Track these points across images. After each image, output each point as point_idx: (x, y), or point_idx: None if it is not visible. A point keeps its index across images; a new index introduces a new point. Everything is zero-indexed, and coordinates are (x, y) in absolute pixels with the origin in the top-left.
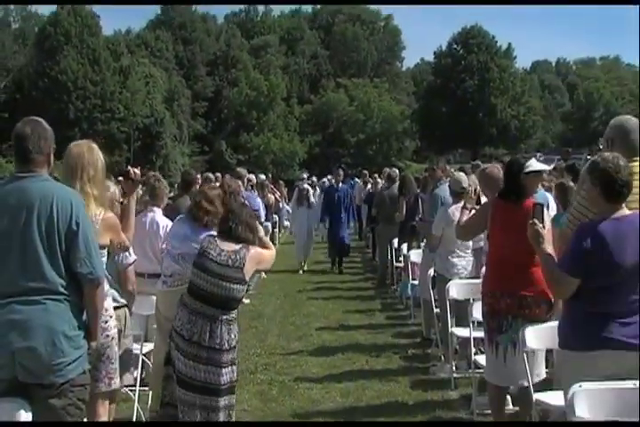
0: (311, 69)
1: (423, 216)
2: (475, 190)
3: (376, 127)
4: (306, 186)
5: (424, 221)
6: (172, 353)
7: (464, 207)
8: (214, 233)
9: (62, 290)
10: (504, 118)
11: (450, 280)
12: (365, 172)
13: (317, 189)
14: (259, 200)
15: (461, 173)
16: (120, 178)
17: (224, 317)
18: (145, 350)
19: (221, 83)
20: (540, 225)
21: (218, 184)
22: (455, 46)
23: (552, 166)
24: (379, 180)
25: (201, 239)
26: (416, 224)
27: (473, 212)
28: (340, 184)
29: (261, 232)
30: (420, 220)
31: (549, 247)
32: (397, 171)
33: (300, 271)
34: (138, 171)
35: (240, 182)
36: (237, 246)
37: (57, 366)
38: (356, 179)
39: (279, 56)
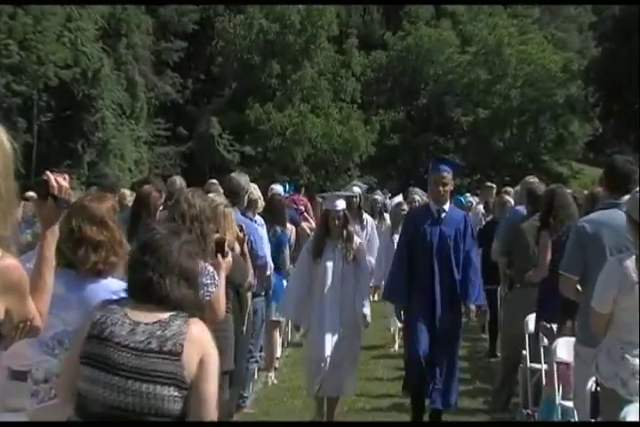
0: None
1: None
2: None
3: (512, 95)
4: (339, 205)
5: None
6: None
7: None
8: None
9: None
10: None
11: (630, 402)
12: (490, 184)
13: (385, 217)
14: (263, 235)
15: None
16: (30, 193)
17: None
18: None
19: (212, 7)
20: None
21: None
22: None
23: None
24: (507, 198)
25: (91, 304)
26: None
27: None
28: (447, 210)
29: (217, 292)
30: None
31: None
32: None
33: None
34: (64, 180)
35: (221, 200)
36: (165, 315)
37: None
38: (471, 197)
39: None
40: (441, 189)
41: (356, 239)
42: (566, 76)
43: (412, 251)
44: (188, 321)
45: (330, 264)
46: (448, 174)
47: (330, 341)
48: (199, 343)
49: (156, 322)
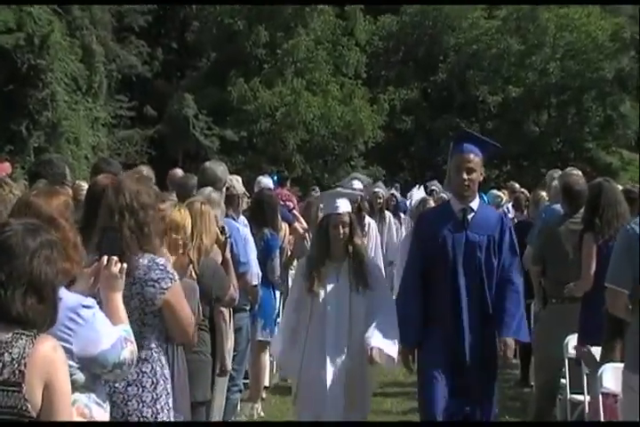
0: None
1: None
2: None
3: (551, 69)
4: (342, 206)
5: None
6: None
7: None
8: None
9: None
10: None
11: None
12: (514, 184)
13: (386, 216)
14: (248, 237)
15: None
16: None
17: None
18: None
19: None
20: None
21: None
22: None
23: None
24: (543, 193)
25: None
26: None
27: None
28: (476, 209)
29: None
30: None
31: None
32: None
33: None
34: None
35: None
36: (7, 335)
37: None
38: (498, 192)
39: None
40: (465, 176)
41: (361, 247)
42: (616, 45)
43: (428, 268)
44: (34, 340)
45: (332, 296)
46: (476, 157)
47: (328, 409)
48: (44, 366)
49: None
